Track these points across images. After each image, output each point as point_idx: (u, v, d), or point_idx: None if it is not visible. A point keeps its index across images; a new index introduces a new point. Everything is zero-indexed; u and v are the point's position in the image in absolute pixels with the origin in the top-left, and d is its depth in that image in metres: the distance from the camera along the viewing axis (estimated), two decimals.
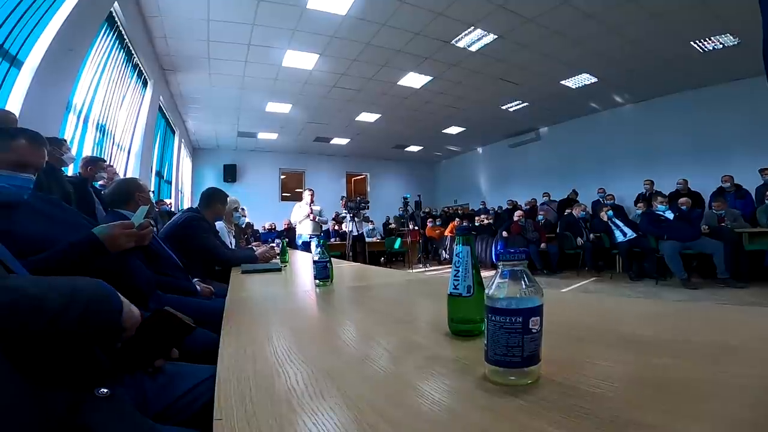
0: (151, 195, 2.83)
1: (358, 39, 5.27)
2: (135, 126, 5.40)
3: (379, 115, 8.47)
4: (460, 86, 6.97)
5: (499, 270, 0.46)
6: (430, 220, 9.69)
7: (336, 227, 8.57)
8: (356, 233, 6.62)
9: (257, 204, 9.31)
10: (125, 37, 4.40)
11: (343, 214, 7.21)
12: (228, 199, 2.64)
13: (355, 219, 6.55)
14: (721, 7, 4.39)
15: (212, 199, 2.41)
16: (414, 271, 6.76)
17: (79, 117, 3.66)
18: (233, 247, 2.96)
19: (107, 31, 3.97)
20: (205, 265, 2.21)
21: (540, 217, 7.10)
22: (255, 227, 8.35)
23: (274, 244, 3.00)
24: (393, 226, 10.36)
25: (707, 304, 2.43)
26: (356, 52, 5.66)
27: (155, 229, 1.41)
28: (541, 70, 6.27)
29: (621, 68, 6.17)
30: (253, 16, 4.63)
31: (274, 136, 9.82)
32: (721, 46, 5.29)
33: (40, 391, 0.50)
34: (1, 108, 2.26)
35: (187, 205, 8.70)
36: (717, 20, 4.69)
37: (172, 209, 5.96)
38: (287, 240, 3.20)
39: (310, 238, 5.14)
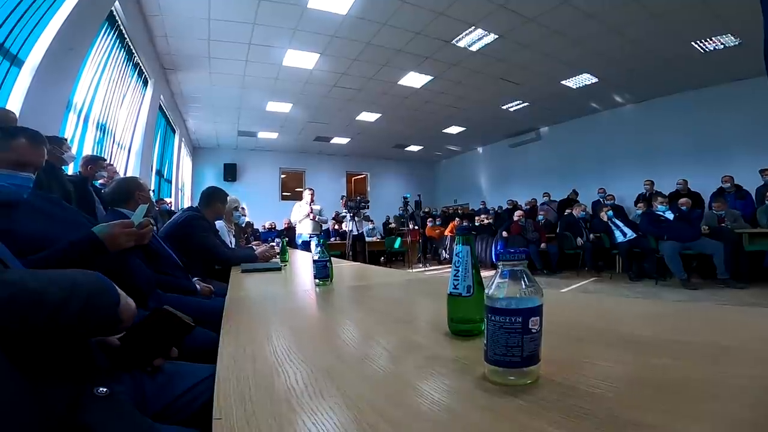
0: (151, 194, 2.84)
1: (358, 38, 5.27)
2: (135, 125, 5.40)
3: (380, 115, 8.47)
4: (460, 86, 6.97)
5: (499, 270, 0.46)
6: (430, 219, 9.69)
7: (336, 227, 8.56)
8: (356, 233, 6.62)
9: (257, 203, 9.30)
10: (126, 36, 4.40)
11: (343, 214, 7.20)
12: (228, 198, 2.64)
13: (355, 218, 6.55)
14: (722, 7, 4.38)
15: (212, 198, 2.41)
16: (414, 270, 6.75)
17: (79, 116, 3.65)
18: (233, 246, 2.96)
19: (108, 31, 3.97)
20: (204, 265, 2.21)
21: (540, 217, 7.10)
22: (255, 226, 8.34)
23: (274, 244, 3.00)
24: (393, 225, 10.35)
25: (707, 305, 2.43)
26: (357, 52, 5.65)
27: (155, 228, 1.41)
28: (542, 70, 6.27)
29: (621, 68, 6.17)
30: (253, 16, 4.63)
31: (274, 135, 9.82)
32: (722, 46, 5.28)
33: (39, 388, 0.50)
34: (1, 107, 2.26)
35: (187, 204, 8.69)
36: (718, 20, 4.69)
37: (172, 208, 5.96)
38: (287, 239, 3.19)
39: (310, 237, 5.14)
